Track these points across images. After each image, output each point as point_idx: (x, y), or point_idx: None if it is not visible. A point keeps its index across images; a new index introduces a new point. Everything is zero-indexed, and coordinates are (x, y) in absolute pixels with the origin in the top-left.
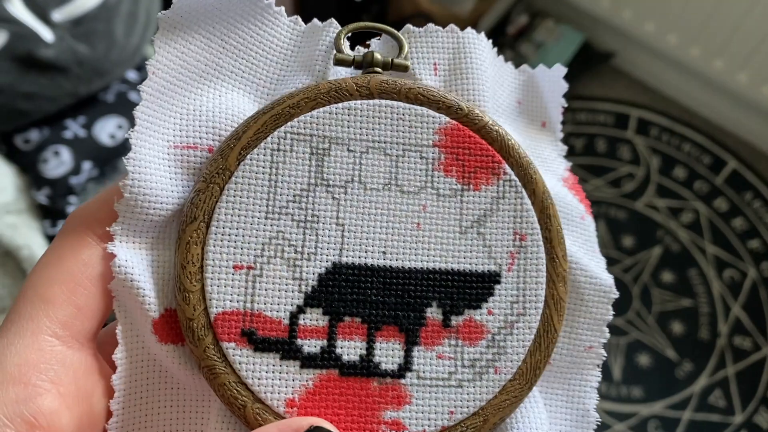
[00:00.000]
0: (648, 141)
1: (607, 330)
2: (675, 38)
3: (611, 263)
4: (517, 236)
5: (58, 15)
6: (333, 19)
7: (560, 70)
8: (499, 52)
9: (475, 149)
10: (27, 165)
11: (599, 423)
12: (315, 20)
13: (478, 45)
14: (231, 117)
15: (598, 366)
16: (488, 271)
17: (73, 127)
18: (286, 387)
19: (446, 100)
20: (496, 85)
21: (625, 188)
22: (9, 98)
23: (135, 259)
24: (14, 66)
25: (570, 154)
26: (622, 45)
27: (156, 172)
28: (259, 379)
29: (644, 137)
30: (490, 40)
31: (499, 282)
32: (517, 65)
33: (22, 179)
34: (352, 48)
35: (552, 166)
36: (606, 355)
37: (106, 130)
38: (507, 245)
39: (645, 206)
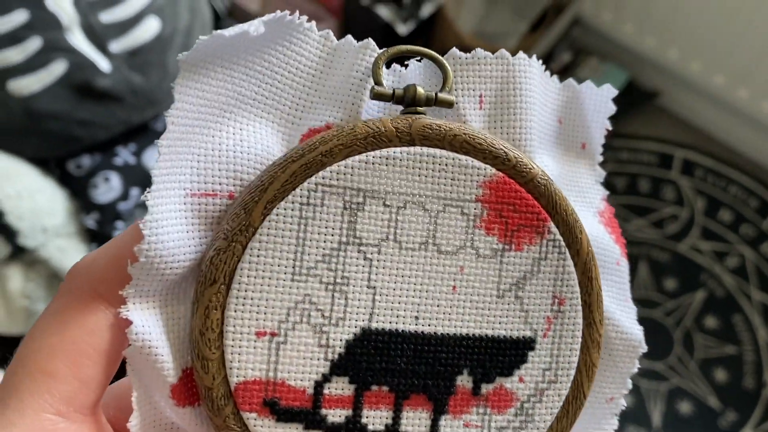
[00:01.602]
0: (693, 182)
1: (630, 382)
2: (722, 78)
3: (652, 306)
4: (556, 300)
5: (116, 46)
6: (371, 40)
7: (610, 90)
8: None
9: (521, 205)
10: (78, 190)
11: None
12: (349, 37)
13: (529, 73)
14: (254, 157)
15: (616, 415)
16: (523, 337)
17: (124, 154)
18: None
19: (494, 149)
20: (541, 107)
21: (669, 230)
22: (65, 125)
23: (150, 323)
24: (72, 94)
25: (612, 193)
26: (668, 84)
27: (173, 230)
28: None
29: (689, 178)
30: (542, 63)
31: (533, 348)
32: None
33: (72, 203)
34: (388, 66)
35: (588, 197)
36: (625, 404)
37: (156, 157)
38: (545, 310)
39: (689, 249)
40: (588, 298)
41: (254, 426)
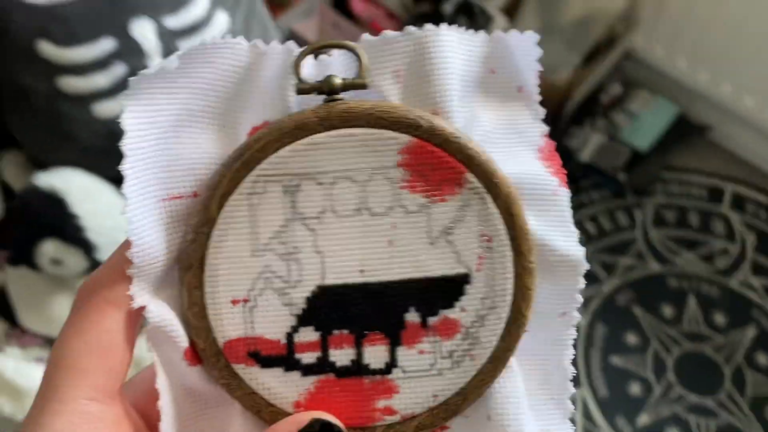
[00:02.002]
0: (744, 217)
1: (579, 297)
2: None
3: (702, 340)
4: (484, 238)
5: None
6: (292, 42)
7: (532, 35)
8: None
9: (438, 163)
10: None
11: (575, 374)
12: (274, 42)
13: (440, 40)
14: (208, 159)
15: (573, 326)
16: (459, 273)
17: None
18: (291, 392)
19: (406, 118)
20: (468, 64)
21: (719, 264)
22: None
23: (158, 306)
24: None
25: (661, 225)
26: (719, 118)
27: (152, 231)
28: (268, 389)
29: (740, 213)
30: (458, 27)
31: (469, 282)
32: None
33: None
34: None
35: (528, 136)
36: (579, 316)
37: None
38: (474, 248)
39: (739, 284)
40: (513, 232)
41: (243, 373)
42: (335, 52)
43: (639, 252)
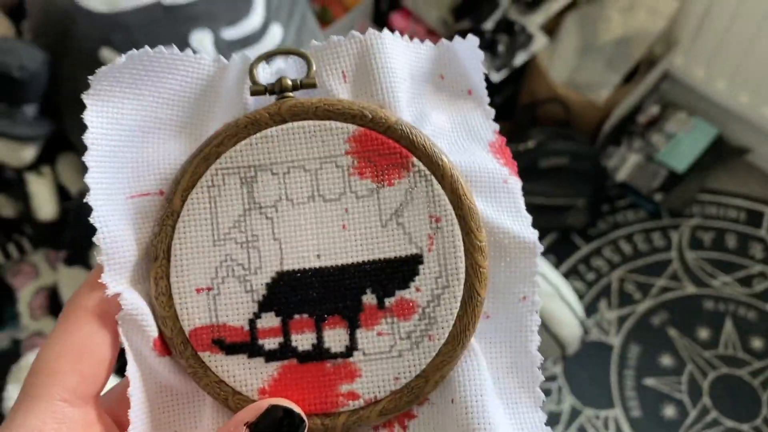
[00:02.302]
0: None
1: (537, 281)
2: None
3: (739, 365)
4: (433, 219)
5: None
6: (245, 53)
7: (473, 39)
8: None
9: (384, 149)
10: None
11: (542, 361)
12: (234, 56)
13: (383, 42)
14: (173, 161)
15: (536, 312)
16: (411, 254)
17: None
18: (256, 379)
19: (351, 110)
20: (416, 69)
21: (756, 288)
22: None
23: (132, 295)
24: None
25: (697, 247)
26: (758, 140)
27: (120, 223)
28: (233, 376)
29: None
30: (403, 39)
31: (422, 262)
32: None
33: None
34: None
35: (480, 133)
36: (540, 301)
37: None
38: (424, 229)
39: None
40: (460, 211)
41: (209, 361)
42: (290, 60)
43: (675, 273)
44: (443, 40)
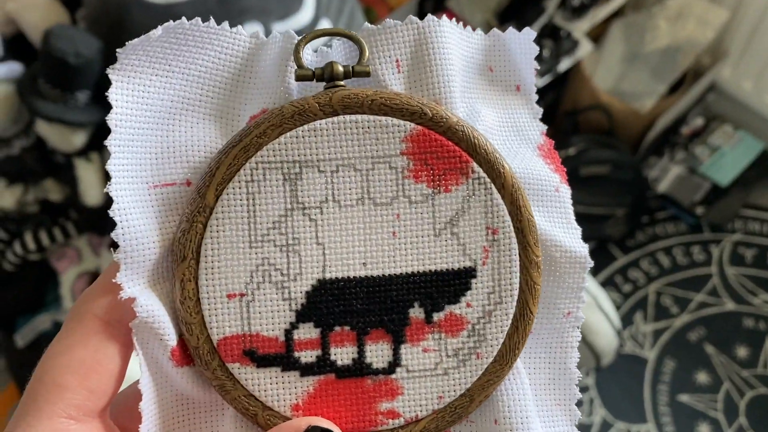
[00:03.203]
0: None
1: (584, 296)
2: None
3: None
4: (490, 231)
5: None
6: (291, 30)
7: (530, 33)
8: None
9: (443, 152)
10: None
11: (580, 378)
12: (275, 32)
13: (441, 30)
14: (203, 147)
15: (577, 327)
16: (464, 267)
17: None
18: (289, 394)
19: (410, 106)
20: (467, 60)
21: None
22: None
23: (149, 298)
24: None
25: (738, 263)
26: None
27: (141, 216)
28: (264, 390)
29: None
30: (462, 26)
31: (474, 276)
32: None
33: None
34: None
35: (528, 134)
36: (584, 317)
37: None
38: (480, 241)
39: None
40: (519, 224)
41: (239, 374)
42: (335, 43)
43: (714, 289)
44: (495, 30)
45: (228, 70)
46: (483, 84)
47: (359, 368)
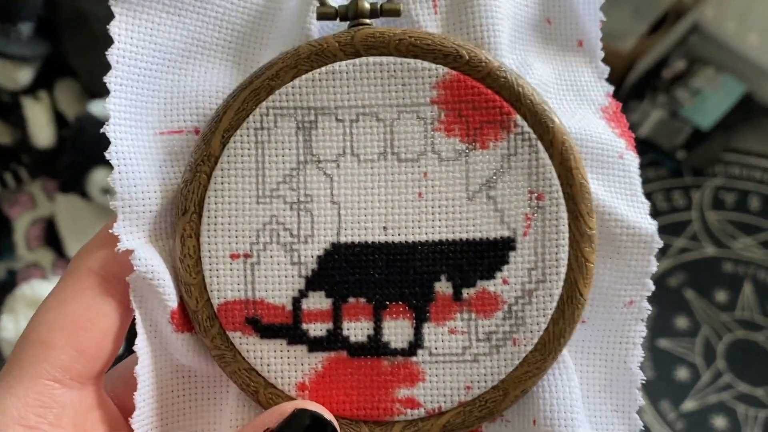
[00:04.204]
0: None
1: (650, 282)
2: None
3: (756, 329)
4: (533, 196)
5: None
6: None
7: None
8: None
9: (480, 101)
10: None
11: (644, 381)
12: None
13: None
14: (215, 93)
15: (642, 320)
16: (501, 237)
17: None
18: (295, 371)
19: (443, 47)
20: (520, 9)
21: None
22: None
23: (148, 252)
24: None
25: (719, 208)
26: None
27: (143, 162)
28: (268, 365)
29: None
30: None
31: (514, 248)
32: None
33: None
34: None
35: (590, 94)
36: (650, 308)
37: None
38: (522, 207)
39: None
40: (570, 189)
41: (240, 344)
42: None
43: (694, 234)
44: None
45: (247, 10)
46: (538, 38)
47: (375, 347)
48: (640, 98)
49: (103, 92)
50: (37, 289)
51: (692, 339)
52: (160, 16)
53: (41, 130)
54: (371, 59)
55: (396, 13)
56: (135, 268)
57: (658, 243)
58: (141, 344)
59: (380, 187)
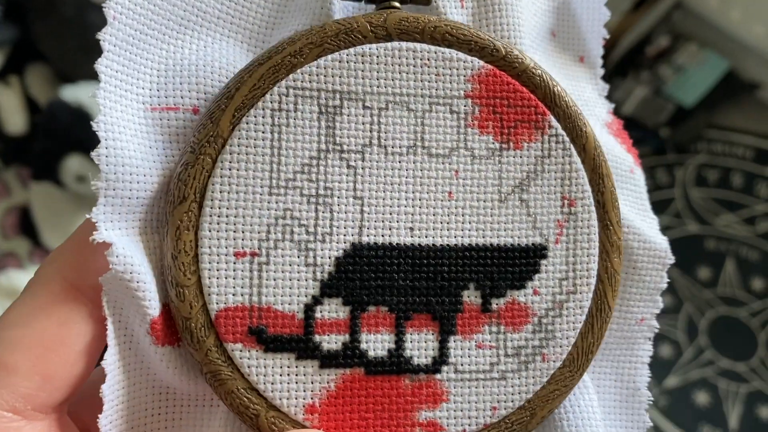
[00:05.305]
0: None
1: (660, 300)
2: None
3: (737, 305)
4: (566, 201)
5: None
6: None
7: None
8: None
9: (515, 99)
10: None
11: (651, 401)
12: None
13: None
14: (218, 70)
15: (649, 339)
16: (533, 244)
17: None
18: (304, 391)
19: (480, 39)
20: (530, 15)
21: (760, 228)
22: None
23: (130, 247)
24: None
25: (702, 185)
26: None
27: (133, 139)
28: (272, 383)
29: None
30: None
31: (545, 256)
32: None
33: None
34: None
35: (595, 110)
36: (658, 326)
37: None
38: (554, 213)
39: None
40: (601, 197)
41: (240, 358)
42: None
43: (677, 211)
44: None
45: None
46: (546, 49)
47: (396, 363)
48: (623, 75)
49: (75, 77)
50: (13, 278)
51: (675, 316)
52: None
53: (13, 116)
54: (404, 44)
55: (425, 1)
56: (111, 266)
57: (671, 259)
58: (111, 359)
59: (408, 183)
